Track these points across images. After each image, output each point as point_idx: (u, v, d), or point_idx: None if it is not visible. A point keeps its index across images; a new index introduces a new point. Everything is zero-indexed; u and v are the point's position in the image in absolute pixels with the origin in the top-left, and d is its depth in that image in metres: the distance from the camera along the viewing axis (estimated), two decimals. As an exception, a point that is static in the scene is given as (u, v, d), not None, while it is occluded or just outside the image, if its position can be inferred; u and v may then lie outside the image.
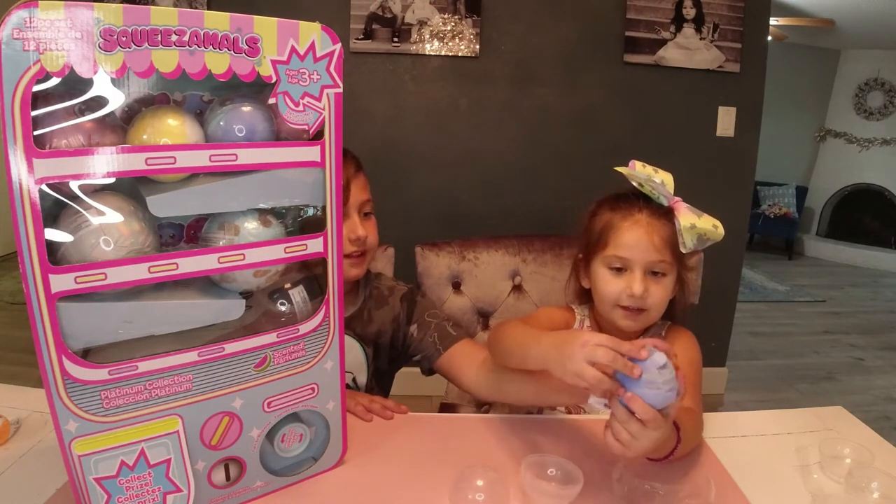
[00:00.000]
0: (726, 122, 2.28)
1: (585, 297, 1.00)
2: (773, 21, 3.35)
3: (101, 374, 0.56)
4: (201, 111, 0.64)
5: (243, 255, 0.62)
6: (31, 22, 0.48)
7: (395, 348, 1.06)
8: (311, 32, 0.61)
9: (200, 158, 0.59)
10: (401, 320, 1.06)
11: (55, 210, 0.54)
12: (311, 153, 0.65)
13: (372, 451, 0.80)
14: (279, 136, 0.64)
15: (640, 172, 0.86)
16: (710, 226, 0.83)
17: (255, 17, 0.57)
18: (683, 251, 0.84)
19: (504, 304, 1.28)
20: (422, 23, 2.13)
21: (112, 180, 0.55)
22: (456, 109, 2.22)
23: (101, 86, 0.54)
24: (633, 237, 0.88)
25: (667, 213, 0.87)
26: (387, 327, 1.04)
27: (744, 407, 2.46)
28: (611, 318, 0.92)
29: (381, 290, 1.08)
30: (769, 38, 2.47)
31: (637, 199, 0.89)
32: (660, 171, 0.88)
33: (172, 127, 0.58)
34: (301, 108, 0.63)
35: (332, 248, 0.69)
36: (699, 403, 0.85)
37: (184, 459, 0.62)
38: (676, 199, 0.86)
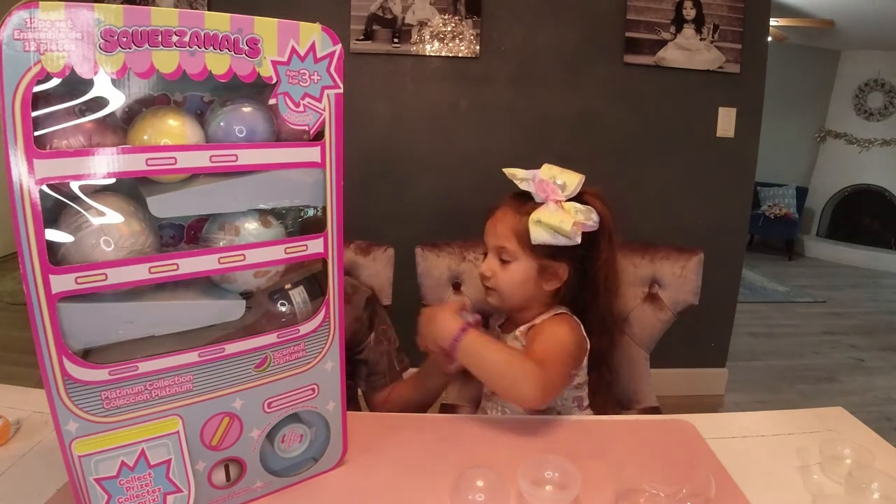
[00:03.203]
0: (726, 122, 2.28)
1: None
2: (773, 22, 3.35)
3: (101, 374, 0.57)
4: (202, 112, 0.64)
5: (244, 255, 0.62)
6: (31, 23, 0.48)
7: (350, 348, 1.08)
8: (311, 33, 0.61)
9: (201, 159, 0.59)
10: (363, 322, 1.09)
11: (55, 210, 0.54)
12: (311, 154, 0.65)
13: (372, 452, 0.80)
14: (279, 136, 0.64)
15: (522, 173, 0.97)
16: (557, 222, 0.90)
17: (256, 17, 0.58)
18: (533, 243, 0.92)
19: (504, 305, 1.28)
20: (422, 23, 2.13)
21: (112, 181, 0.55)
22: (456, 110, 2.23)
23: (102, 86, 0.54)
24: (488, 223, 1.01)
25: (535, 208, 0.94)
26: (347, 325, 1.05)
27: (744, 408, 2.46)
28: None
29: (344, 288, 1.10)
30: (769, 38, 2.47)
31: (517, 195, 0.98)
32: (568, 172, 0.96)
33: (173, 127, 0.58)
34: (301, 108, 0.63)
35: (332, 249, 0.69)
36: (541, 360, 0.86)
37: (184, 460, 0.62)
38: (558, 198, 0.93)
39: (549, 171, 0.96)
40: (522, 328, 1.01)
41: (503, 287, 0.98)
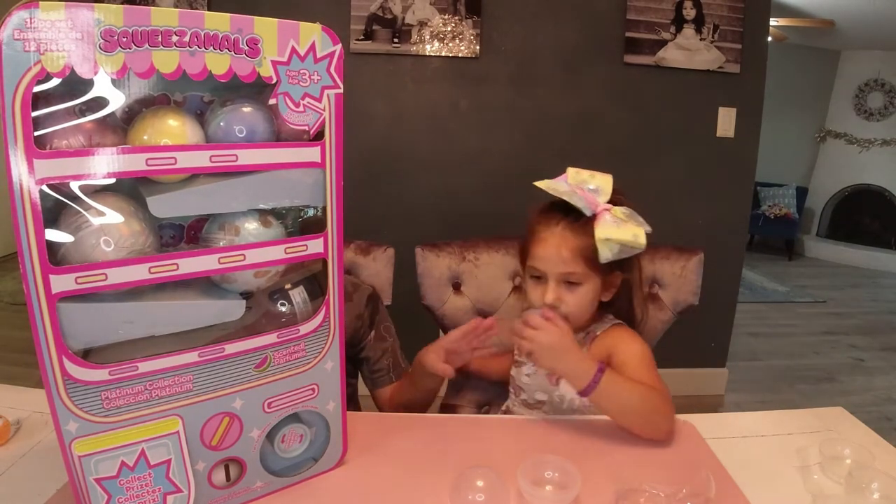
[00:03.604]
0: (726, 122, 2.28)
1: None
2: (773, 22, 3.35)
3: (101, 374, 0.57)
4: (202, 112, 0.64)
5: (244, 255, 0.62)
6: (31, 23, 0.48)
7: (352, 346, 1.08)
8: (311, 33, 0.61)
9: (201, 159, 0.59)
10: (364, 320, 1.08)
11: (56, 210, 0.55)
12: (311, 154, 0.65)
13: (372, 452, 0.80)
14: (279, 136, 0.64)
15: (562, 185, 0.91)
16: (630, 236, 0.86)
17: (256, 17, 0.58)
18: (602, 261, 0.88)
19: (504, 305, 1.28)
20: (422, 23, 2.13)
21: (112, 181, 0.55)
22: (456, 110, 2.23)
23: (102, 86, 0.54)
24: (545, 250, 0.93)
25: (589, 223, 0.90)
26: (349, 323, 1.05)
27: (744, 408, 2.46)
28: None
29: (345, 286, 1.10)
30: (769, 38, 2.47)
31: (559, 210, 0.94)
32: (597, 175, 0.92)
33: (173, 127, 0.58)
34: (301, 108, 0.63)
35: (332, 249, 0.69)
36: (656, 384, 0.87)
37: (184, 460, 0.62)
38: (606, 207, 0.90)
39: (577, 176, 0.92)
40: (578, 336, 0.98)
41: (575, 312, 0.94)
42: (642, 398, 0.83)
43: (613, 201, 0.91)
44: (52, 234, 0.53)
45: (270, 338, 0.66)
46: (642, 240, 0.86)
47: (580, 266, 0.91)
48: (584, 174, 0.92)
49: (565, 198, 0.90)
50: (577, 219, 0.91)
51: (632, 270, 0.99)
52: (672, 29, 2.19)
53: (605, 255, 0.87)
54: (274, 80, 0.60)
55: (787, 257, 5.45)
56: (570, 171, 0.93)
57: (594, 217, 0.89)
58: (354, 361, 1.10)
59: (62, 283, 0.53)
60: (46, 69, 0.49)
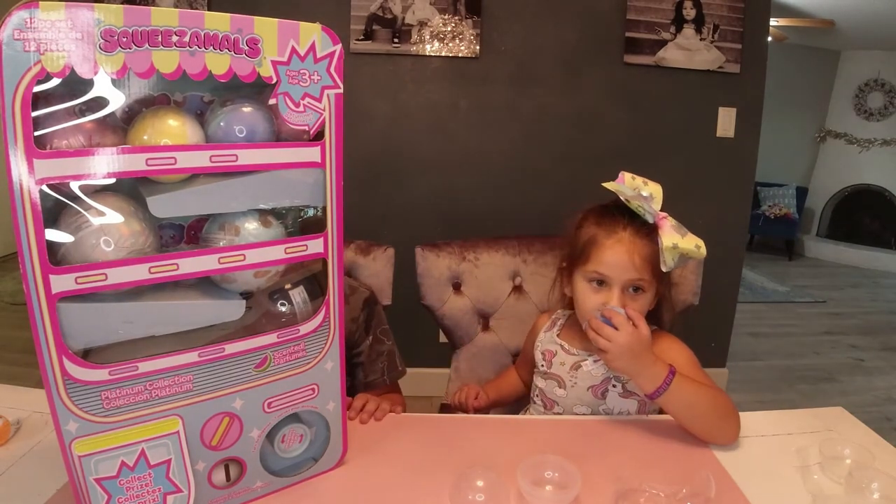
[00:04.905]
0: (726, 122, 2.28)
1: (571, 302, 1.01)
2: (773, 22, 3.35)
3: (101, 374, 0.57)
4: (202, 112, 0.64)
5: (244, 255, 0.62)
6: (31, 23, 0.48)
7: (347, 349, 1.07)
8: (311, 33, 0.61)
9: (201, 159, 0.59)
10: (359, 324, 1.08)
11: (56, 210, 0.55)
12: (311, 154, 0.65)
13: (372, 452, 0.80)
14: (279, 136, 0.64)
15: (628, 187, 0.89)
16: (693, 246, 0.85)
17: (256, 17, 0.58)
18: (664, 269, 0.87)
19: (504, 305, 1.28)
20: (422, 23, 2.13)
21: (112, 181, 0.55)
22: (456, 110, 2.23)
23: (102, 86, 0.54)
24: (614, 256, 0.90)
25: (650, 230, 0.89)
26: (344, 325, 1.05)
27: (744, 408, 2.42)
28: None
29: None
30: (769, 38, 2.47)
31: (622, 215, 0.92)
32: (649, 182, 0.91)
33: (173, 127, 0.58)
34: (301, 108, 0.63)
35: (332, 249, 0.69)
36: (712, 385, 0.87)
37: (184, 460, 0.62)
38: (663, 215, 0.88)
39: (633, 182, 0.90)
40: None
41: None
42: (711, 401, 0.83)
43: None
44: (52, 234, 0.53)
45: (270, 338, 0.66)
46: (704, 250, 0.86)
47: (648, 273, 0.90)
48: (638, 180, 0.91)
49: (633, 202, 0.88)
50: (641, 225, 0.90)
51: (665, 283, 0.97)
52: (672, 29, 2.19)
53: (669, 263, 0.86)
54: (274, 80, 0.60)
55: (787, 257, 5.45)
56: (626, 175, 0.91)
57: (655, 224, 0.88)
58: (350, 364, 1.10)
59: (62, 283, 0.53)
60: (46, 69, 0.49)
